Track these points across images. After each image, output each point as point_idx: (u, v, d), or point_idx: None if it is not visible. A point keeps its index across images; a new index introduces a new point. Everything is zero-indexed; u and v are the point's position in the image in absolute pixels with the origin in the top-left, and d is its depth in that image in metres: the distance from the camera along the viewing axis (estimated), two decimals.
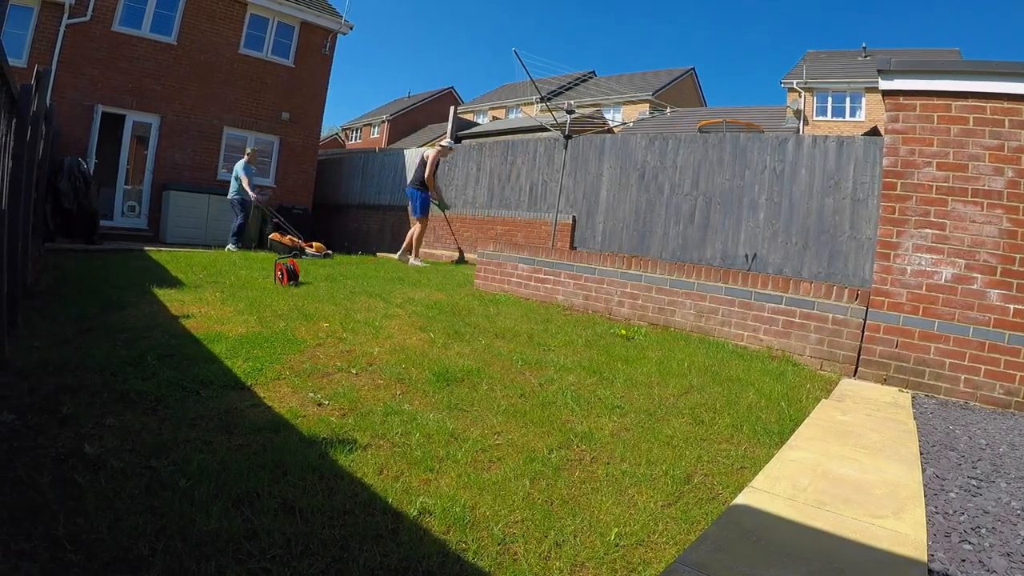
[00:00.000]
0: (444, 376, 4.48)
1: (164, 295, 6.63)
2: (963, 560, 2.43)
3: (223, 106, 17.12)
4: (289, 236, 13.47)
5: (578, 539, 2.46)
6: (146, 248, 12.15)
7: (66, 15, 14.34)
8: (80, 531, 2.17)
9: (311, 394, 3.92)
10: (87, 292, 6.57)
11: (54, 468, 2.63)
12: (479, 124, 31.00)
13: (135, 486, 2.53)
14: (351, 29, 19.56)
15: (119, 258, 10.35)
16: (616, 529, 2.55)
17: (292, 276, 8.18)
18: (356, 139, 53.40)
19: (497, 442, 3.43)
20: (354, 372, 4.48)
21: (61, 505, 2.31)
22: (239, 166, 13.36)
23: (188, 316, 5.77)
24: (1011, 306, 5.16)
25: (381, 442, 3.29)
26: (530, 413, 3.91)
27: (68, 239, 12.34)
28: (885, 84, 5.76)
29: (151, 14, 15.82)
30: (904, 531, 2.59)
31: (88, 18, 14.68)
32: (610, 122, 26.65)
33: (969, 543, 2.58)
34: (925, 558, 2.38)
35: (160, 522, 2.27)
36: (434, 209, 13.19)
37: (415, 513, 2.56)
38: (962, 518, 2.83)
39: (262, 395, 3.84)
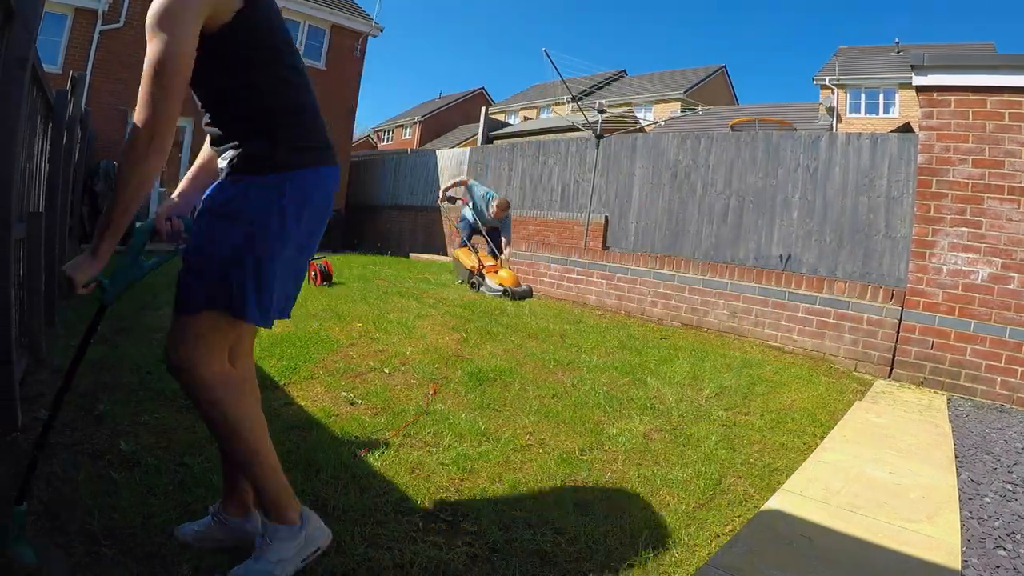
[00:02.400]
0: (476, 376, 4.51)
1: None
2: (997, 566, 2.41)
3: None
4: (482, 254, 9.54)
5: (609, 540, 2.48)
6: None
7: (99, 22, 14.59)
8: (115, 526, 2.22)
9: (344, 393, 3.97)
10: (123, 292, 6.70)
11: (90, 464, 2.69)
12: (510, 124, 31.09)
13: (169, 482, 2.59)
14: (381, 31, 19.68)
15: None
16: (647, 531, 2.56)
17: (325, 276, 8.28)
18: (388, 140, 53.57)
19: (529, 442, 3.46)
20: (387, 372, 4.53)
21: (96, 500, 2.37)
22: None
23: None
24: None
25: (413, 441, 3.33)
26: (562, 413, 3.94)
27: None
28: (919, 80, 5.69)
29: None
30: (938, 536, 2.58)
31: (121, 24, 14.91)
32: (641, 121, 26.53)
33: (1004, 549, 2.56)
34: (959, 564, 2.37)
35: (193, 518, 2.32)
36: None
37: (446, 513, 2.59)
38: (997, 523, 2.81)
39: (295, 394, 3.90)
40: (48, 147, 5.11)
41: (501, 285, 8.56)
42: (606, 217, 12.80)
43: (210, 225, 1.93)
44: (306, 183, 1.98)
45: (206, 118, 2.00)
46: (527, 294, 8.61)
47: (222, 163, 1.96)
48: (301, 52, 18.01)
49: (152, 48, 1.71)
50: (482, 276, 8.90)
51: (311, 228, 2.04)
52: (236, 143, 1.93)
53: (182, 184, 2.21)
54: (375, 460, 3.03)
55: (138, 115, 1.74)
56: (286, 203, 1.93)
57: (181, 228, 2.08)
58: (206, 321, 1.94)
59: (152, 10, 1.72)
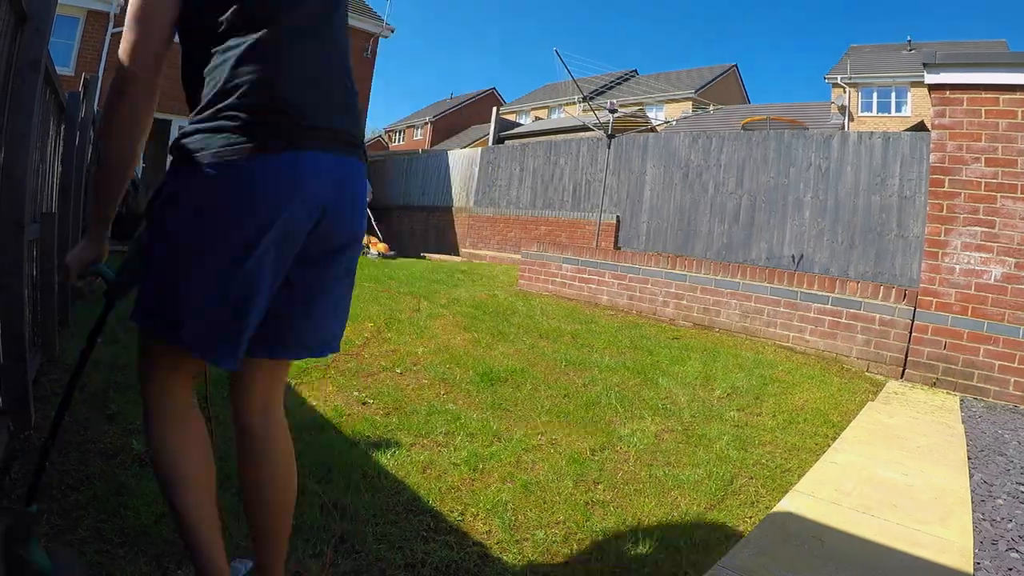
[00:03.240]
0: (488, 376, 4.52)
1: None
2: (1010, 569, 2.40)
3: None
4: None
5: (620, 541, 2.48)
6: None
7: (111, 24, 14.67)
8: (127, 525, 2.24)
9: (356, 393, 3.98)
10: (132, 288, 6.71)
11: (102, 463, 2.71)
12: (521, 124, 31.05)
13: None
14: (392, 32, 19.72)
15: None
16: (658, 531, 2.56)
17: None
18: (399, 141, 53.67)
19: (540, 442, 3.46)
20: (399, 372, 4.54)
21: (109, 500, 2.38)
22: None
23: None
24: None
25: (425, 441, 3.34)
26: (574, 413, 3.94)
27: (117, 241, 12.58)
28: (931, 78, 5.66)
29: None
30: (950, 538, 2.57)
31: None
32: (653, 121, 26.46)
33: (1017, 552, 2.54)
34: (971, 567, 2.35)
35: None
36: (479, 210, 13.36)
37: (457, 513, 2.60)
38: (1010, 525, 2.79)
39: (307, 394, 3.91)
40: (61, 148, 5.14)
41: (379, 252, 13.67)
42: (617, 217, 12.79)
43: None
44: (270, 165, 1.66)
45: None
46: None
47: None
48: None
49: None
50: (367, 248, 13.11)
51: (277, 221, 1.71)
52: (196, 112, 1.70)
53: None
54: (386, 460, 3.04)
55: (112, 82, 1.61)
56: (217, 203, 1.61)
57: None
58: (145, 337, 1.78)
59: None
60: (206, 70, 1.59)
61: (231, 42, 1.55)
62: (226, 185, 1.51)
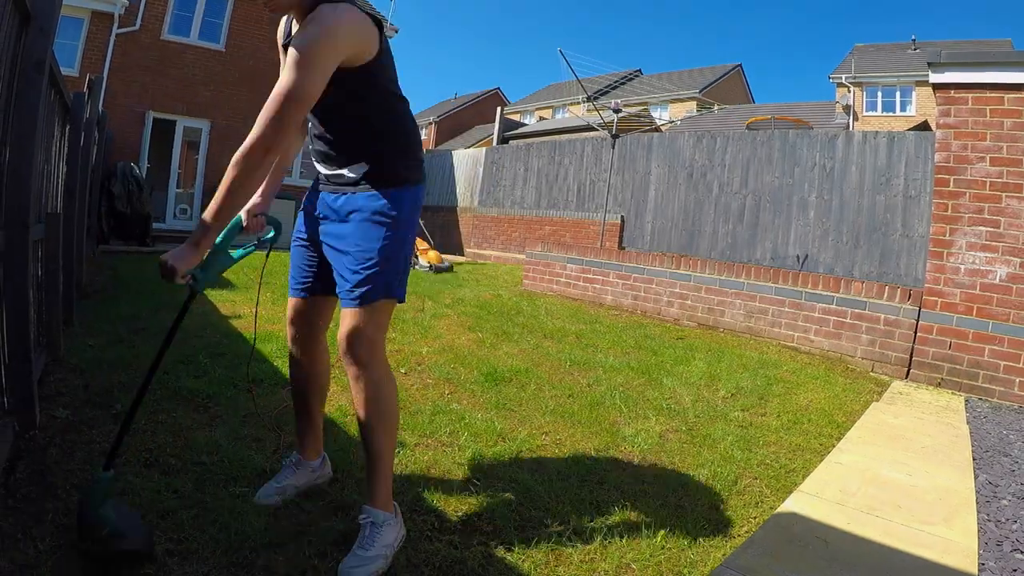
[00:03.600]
0: (492, 376, 4.52)
1: (215, 296, 6.78)
2: (1014, 570, 2.39)
3: None
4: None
5: (624, 541, 2.48)
6: None
7: (115, 25, 14.67)
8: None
9: None
10: (140, 293, 6.72)
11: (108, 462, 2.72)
12: (526, 124, 31.05)
13: (187, 481, 2.60)
14: (396, 32, 19.71)
15: None
16: (663, 531, 2.56)
17: None
18: None
19: (545, 442, 3.46)
20: (403, 371, 4.54)
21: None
22: None
23: (239, 316, 5.89)
24: None
25: (429, 441, 3.33)
26: (578, 413, 3.94)
27: (122, 241, 12.66)
28: (935, 77, 5.65)
29: (199, 22, 16.12)
30: (954, 539, 2.57)
31: (137, 27, 15.01)
32: (657, 120, 26.41)
33: (1022, 552, 2.54)
34: (976, 568, 2.35)
35: (210, 516, 2.33)
36: (483, 210, 13.28)
37: (461, 513, 2.60)
38: (1015, 526, 2.78)
39: None
40: (66, 149, 5.16)
41: (429, 263, 11.32)
42: (622, 217, 12.78)
43: (371, 229, 2.25)
44: (419, 194, 2.38)
45: (319, 141, 2.33)
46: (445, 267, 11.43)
47: (350, 175, 2.29)
48: None
49: (287, 77, 1.97)
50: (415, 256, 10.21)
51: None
52: (365, 160, 2.27)
53: (261, 187, 2.46)
54: None
55: (257, 130, 1.98)
56: (414, 211, 2.35)
57: (263, 222, 2.51)
58: (382, 309, 2.30)
59: (300, 40, 1.97)
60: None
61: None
62: (421, 198, 2.43)
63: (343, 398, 3.86)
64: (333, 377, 4.21)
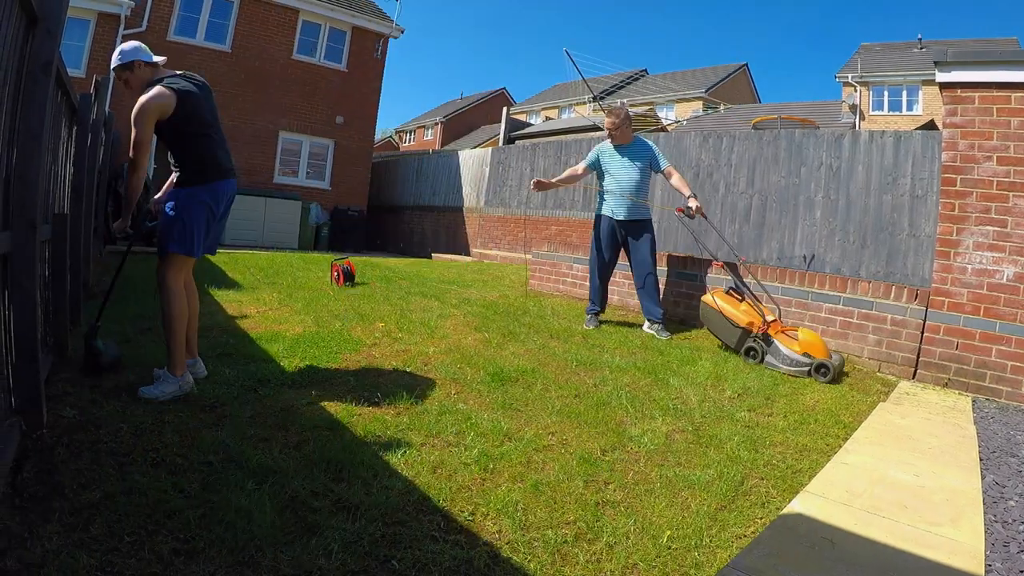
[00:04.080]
0: (499, 376, 4.52)
1: (222, 296, 6.80)
2: (1021, 571, 2.38)
3: (278, 111, 17.46)
4: (747, 304, 6.03)
5: (630, 541, 2.48)
6: None
7: (122, 26, 14.76)
8: (139, 524, 2.25)
9: (366, 393, 3.98)
10: (146, 293, 6.73)
11: (113, 463, 2.73)
12: (532, 124, 30.97)
13: (193, 481, 2.62)
14: (402, 33, 19.79)
15: None
16: (668, 532, 2.56)
17: (348, 277, 8.32)
18: (410, 141, 53.67)
19: (551, 442, 3.46)
20: (409, 371, 4.54)
21: (119, 498, 2.40)
22: None
23: (245, 316, 5.91)
24: None
25: (435, 441, 3.34)
26: (584, 413, 3.94)
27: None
28: (942, 76, 5.62)
29: (205, 23, 16.20)
30: (961, 540, 2.56)
31: (143, 28, 15.08)
32: (663, 120, 26.39)
33: None
34: (982, 569, 2.34)
35: (217, 516, 2.34)
36: (489, 210, 13.22)
37: (468, 513, 2.60)
38: (1022, 527, 2.77)
39: (318, 393, 3.92)
40: (73, 150, 5.17)
41: (807, 355, 5.42)
42: None
43: (170, 209, 3.86)
44: (216, 186, 3.94)
45: (169, 157, 3.89)
46: (840, 368, 5.47)
47: (174, 178, 3.93)
48: (322, 55, 18.36)
49: (133, 132, 3.58)
50: (767, 339, 5.67)
51: (219, 207, 4.00)
52: (181, 170, 3.87)
53: (164, 188, 4.11)
54: (397, 459, 3.04)
55: (131, 155, 3.68)
56: (205, 196, 3.88)
57: (162, 208, 3.96)
58: (173, 257, 3.84)
59: (134, 111, 3.56)
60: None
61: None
62: (220, 189, 4.04)
63: (349, 398, 3.87)
64: (333, 378, 4.25)
